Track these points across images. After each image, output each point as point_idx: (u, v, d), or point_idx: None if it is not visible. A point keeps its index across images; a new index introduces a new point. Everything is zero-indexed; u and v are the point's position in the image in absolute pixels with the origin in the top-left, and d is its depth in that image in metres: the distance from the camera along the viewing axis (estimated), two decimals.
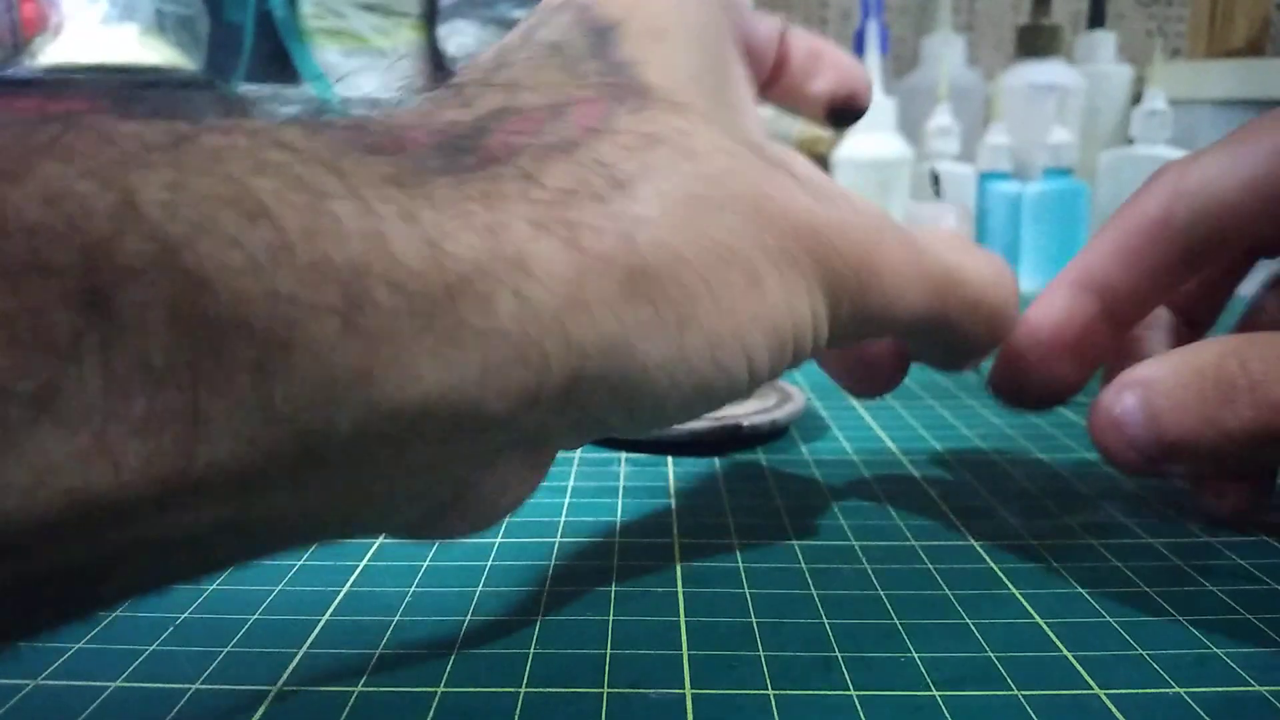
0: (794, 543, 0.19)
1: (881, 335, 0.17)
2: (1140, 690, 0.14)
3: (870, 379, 0.20)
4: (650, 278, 0.12)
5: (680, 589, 0.17)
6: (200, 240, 0.09)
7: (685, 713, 0.13)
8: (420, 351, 0.10)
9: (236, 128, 0.10)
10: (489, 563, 0.18)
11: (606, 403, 0.12)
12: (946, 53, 0.91)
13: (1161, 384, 0.18)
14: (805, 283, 0.14)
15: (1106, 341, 0.21)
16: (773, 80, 0.20)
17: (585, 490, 0.22)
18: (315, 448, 0.10)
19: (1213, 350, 0.17)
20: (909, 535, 0.20)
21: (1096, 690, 0.14)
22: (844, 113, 0.21)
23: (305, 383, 0.09)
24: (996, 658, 0.15)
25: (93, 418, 0.08)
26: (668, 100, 0.14)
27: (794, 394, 0.28)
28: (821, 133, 0.83)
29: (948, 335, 0.17)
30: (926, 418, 0.28)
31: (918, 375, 0.34)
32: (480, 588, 0.17)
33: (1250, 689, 0.14)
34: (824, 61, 0.21)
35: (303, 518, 0.11)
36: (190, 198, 0.09)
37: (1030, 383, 0.20)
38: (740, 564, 0.18)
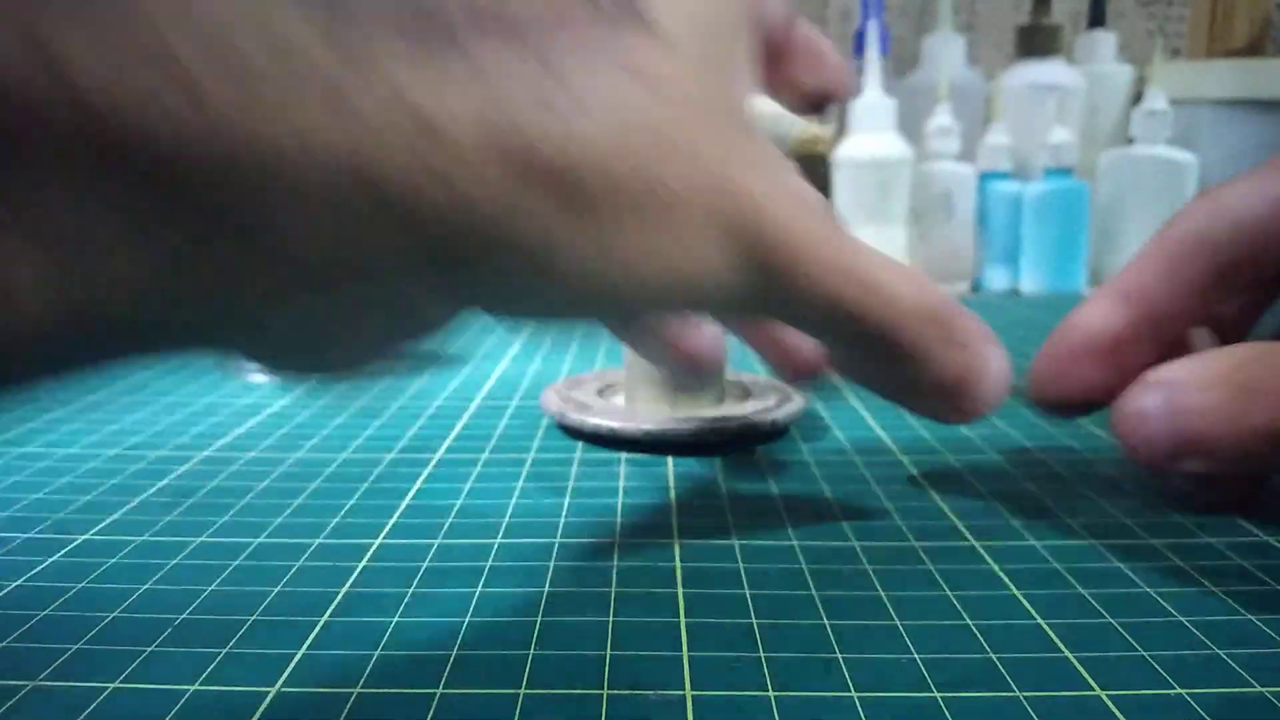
0: (794, 543, 0.19)
1: (798, 322, 0.17)
2: (1142, 691, 0.14)
3: (786, 363, 0.22)
4: (565, 180, 0.13)
5: (680, 590, 0.17)
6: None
7: (685, 714, 0.13)
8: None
9: None
10: (488, 563, 0.18)
11: (483, 272, 0.13)
12: (947, 52, 0.91)
13: (1186, 382, 0.18)
14: (723, 240, 0.14)
15: (1144, 353, 0.21)
16: (770, 62, 0.20)
17: (585, 490, 0.22)
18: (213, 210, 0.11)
19: (1239, 354, 0.18)
20: (910, 536, 0.20)
21: (1098, 691, 0.14)
22: (821, 105, 0.22)
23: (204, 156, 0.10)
24: (998, 659, 0.15)
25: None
26: (663, 39, 0.14)
27: (794, 394, 0.28)
28: (821, 132, 0.83)
29: (865, 340, 0.17)
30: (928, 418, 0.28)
31: None
32: (479, 589, 0.17)
33: (1253, 690, 0.14)
34: (824, 62, 0.21)
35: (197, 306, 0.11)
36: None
37: (1063, 386, 0.21)
38: (740, 564, 0.18)
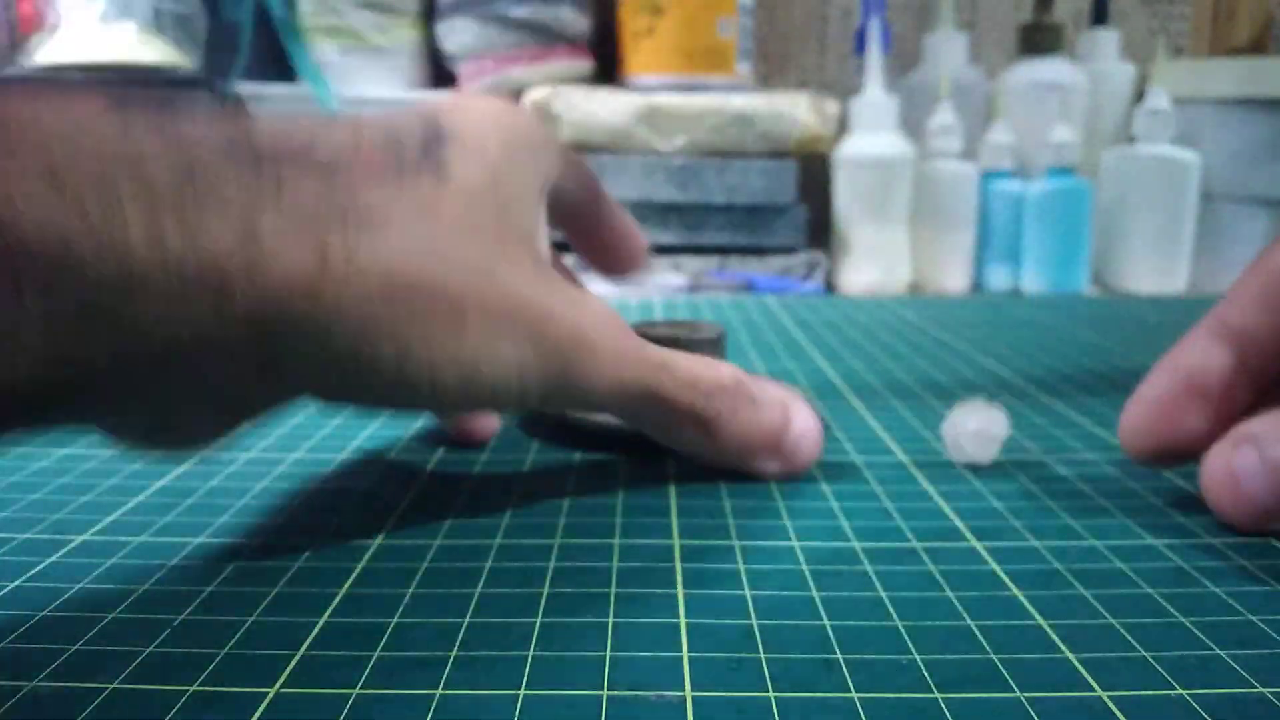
0: (794, 544, 0.19)
1: (606, 408, 0.20)
2: (1143, 692, 0.14)
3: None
4: (364, 287, 0.16)
5: (680, 590, 0.17)
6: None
7: (686, 715, 0.13)
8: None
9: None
10: (488, 564, 0.18)
11: (298, 363, 0.16)
12: (948, 51, 0.91)
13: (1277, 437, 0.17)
14: (517, 345, 0.17)
15: (1243, 396, 0.20)
16: (583, 229, 0.25)
17: (585, 491, 0.22)
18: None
19: None
20: (910, 536, 0.20)
21: (1099, 692, 0.14)
22: (619, 271, 0.26)
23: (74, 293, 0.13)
24: (999, 659, 0.15)
25: None
26: (455, 182, 0.18)
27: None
28: (822, 132, 0.83)
29: (669, 414, 0.20)
30: (929, 418, 0.28)
31: (918, 375, 0.34)
32: (479, 589, 0.17)
33: (1254, 691, 0.14)
34: (631, 242, 0.25)
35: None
36: None
37: (1166, 435, 0.20)
38: (741, 566, 0.18)
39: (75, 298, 0.13)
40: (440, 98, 0.24)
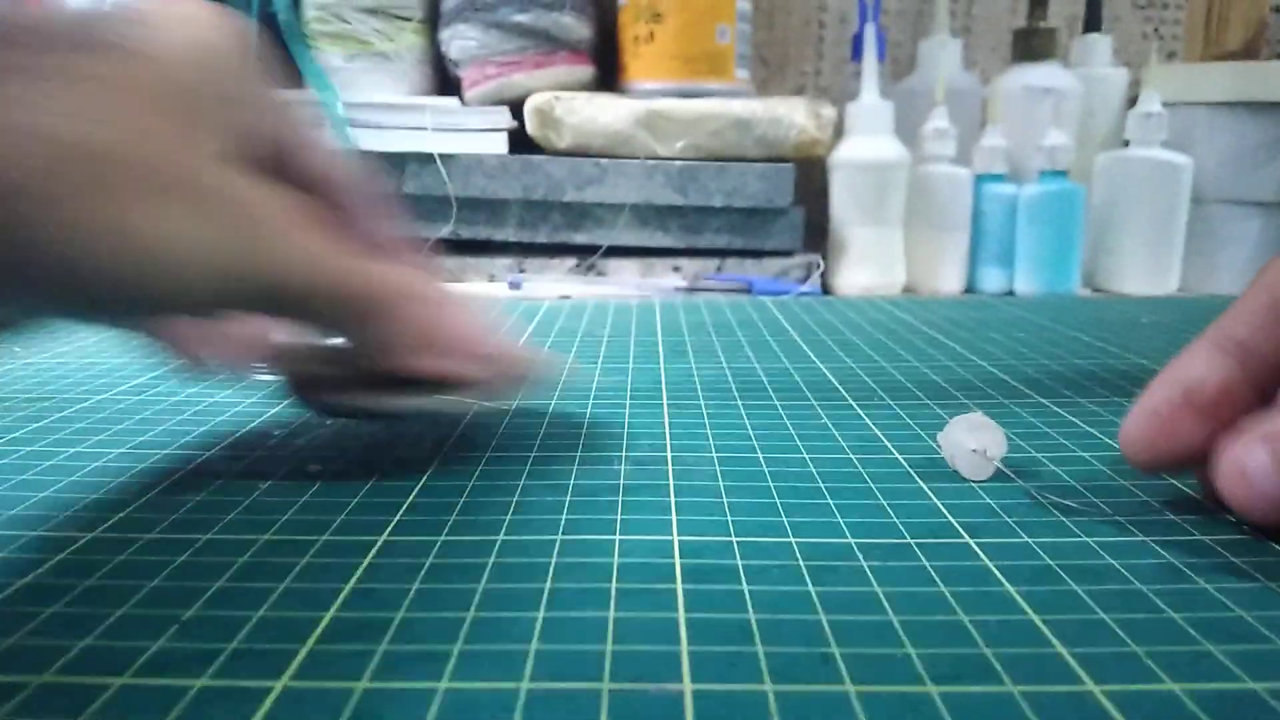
0: (791, 540, 0.19)
1: (284, 307, 0.19)
2: (1135, 686, 0.14)
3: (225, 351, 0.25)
4: (44, 160, 0.15)
5: (680, 585, 0.17)
6: None
7: (685, 708, 0.14)
8: None
9: None
10: (491, 560, 0.19)
11: None
12: (943, 56, 0.91)
13: None
14: (192, 222, 0.17)
15: (1245, 405, 0.20)
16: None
17: (586, 488, 0.23)
18: None
19: None
20: (905, 532, 0.20)
21: (1092, 686, 0.14)
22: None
23: None
24: (992, 654, 0.15)
25: None
26: (142, 60, 0.17)
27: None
28: (819, 137, 0.84)
29: (349, 310, 0.20)
30: (922, 417, 0.29)
31: (913, 375, 0.34)
32: (482, 584, 0.17)
33: (1245, 686, 0.14)
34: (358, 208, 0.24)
35: None
36: None
37: (1165, 444, 0.20)
38: (739, 561, 0.18)
39: None
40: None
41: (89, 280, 0.16)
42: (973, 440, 0.23)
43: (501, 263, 0.80)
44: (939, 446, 0.24)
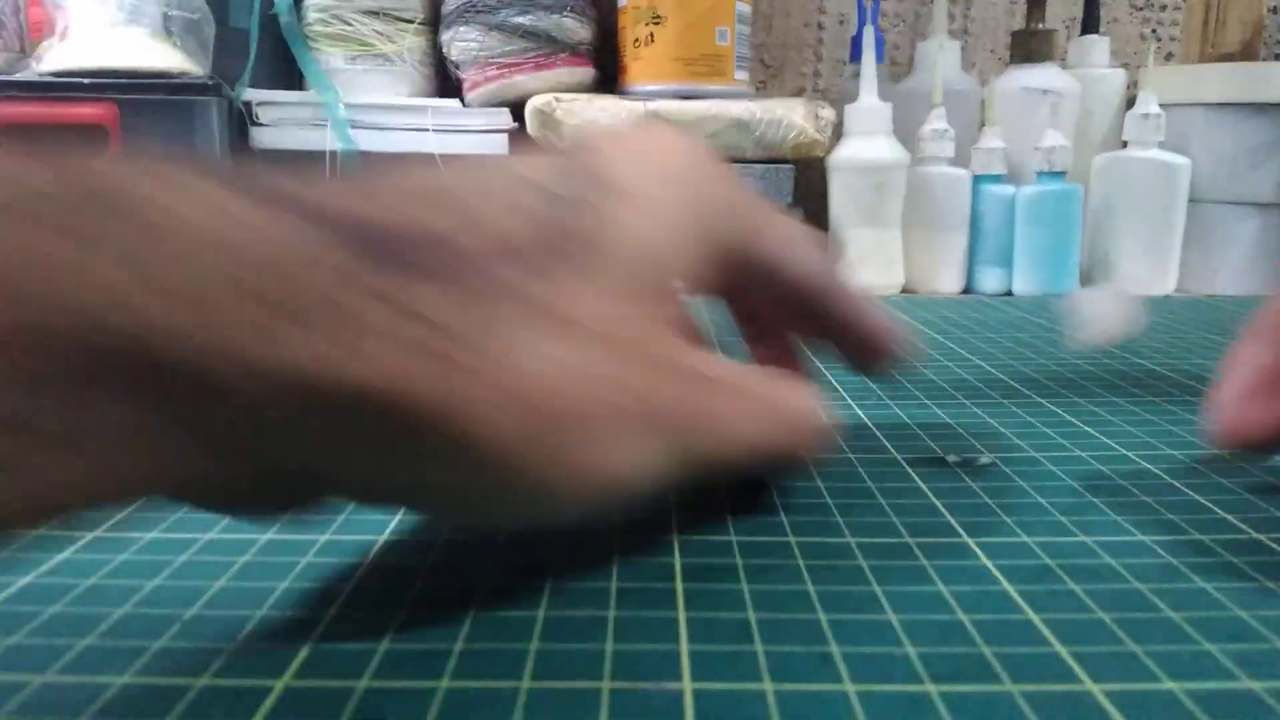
0: (791, 539, 0.20)
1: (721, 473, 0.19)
2: (1133, 685, 0.14)
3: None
4: (493, 420, 0.14)
5: (679, 585, 0.17)
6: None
7: (685, 707, 0.14)
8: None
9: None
10: (491, 560, 0.19)
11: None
12: (942, 58, 0.92)
13: None
14: (656, 445, 0.16)
15: None
16: (804, 311, 0.22)
17: None
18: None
19: None
20: (904, 532, 0.20)
21: (1090, 686, 0.14)
22: (869, 365, 0.23)
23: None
24: (991, 653, 0.15)
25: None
26: (602, 259, 0.16)
27: None
28: (818, 138, 0.84)
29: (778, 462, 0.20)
30: (921, 416, 0.29)
31: (911, 374, 0.34)
32: (482, 584, 0.18)
33: (1243, 685, 0.14)
34: (862, 325, 0.23)
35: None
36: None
37: (1246, 428, 0.21)
38: (738, 560, 0.19)
39: (204, 410, 0.13)
40: (598, 132, 0.20)
41: (536, 510, 0.16)
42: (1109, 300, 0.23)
43: None
44: (1068, 313, 0.25)
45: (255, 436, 0.13)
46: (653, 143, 0.19)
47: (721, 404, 0.18)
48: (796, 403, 0.20)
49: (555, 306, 0.15)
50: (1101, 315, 0.23)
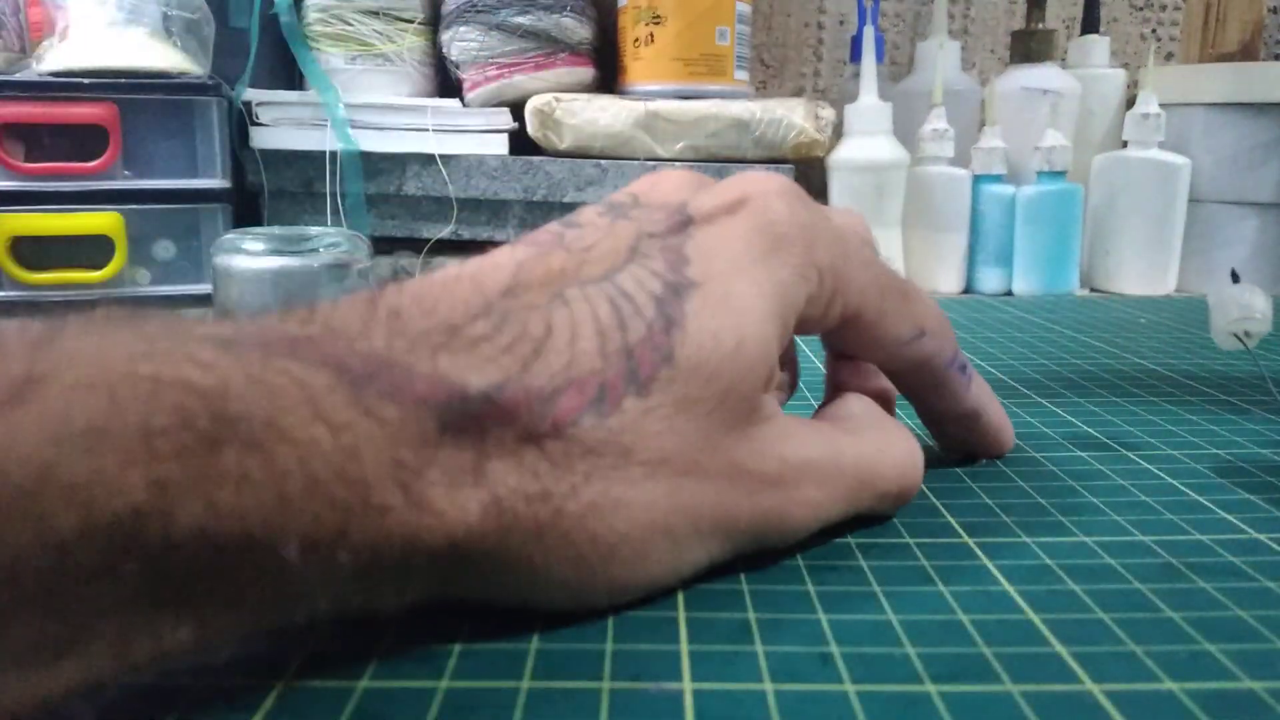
0: None
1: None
2: (1133, 685, 0.14)
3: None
4: (554, 551, 0.15)
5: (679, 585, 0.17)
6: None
7: (685, 706, 0.14)
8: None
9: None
10: None
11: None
12: (942, 58, 0.91)
13: None
14: (707, 548, 0.17)
15: None
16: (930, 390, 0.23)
17: None
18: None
19: None
20: (904, 532, 0.20)
21: (1090, 686, 0.14)
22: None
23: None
24: (991, 653, 0.15)
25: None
26: (665, 391, 0.16)
27: None
28: (818, 138, 0.84)
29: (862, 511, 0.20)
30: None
31: None
32: None
33: (1242, 685, 0.14)
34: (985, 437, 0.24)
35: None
36: None
37: None
38: (738, 560, 0.18)
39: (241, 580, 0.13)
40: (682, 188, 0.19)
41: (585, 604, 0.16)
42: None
43: None
44: (1216, 310, 0.26)
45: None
46: (739, 207, 0.18)
47: (783, 499, 0.18)
48: (888, 469, 0.20)
49: (618, 443, 0.16)
50: (1251, 311, 0.24)
